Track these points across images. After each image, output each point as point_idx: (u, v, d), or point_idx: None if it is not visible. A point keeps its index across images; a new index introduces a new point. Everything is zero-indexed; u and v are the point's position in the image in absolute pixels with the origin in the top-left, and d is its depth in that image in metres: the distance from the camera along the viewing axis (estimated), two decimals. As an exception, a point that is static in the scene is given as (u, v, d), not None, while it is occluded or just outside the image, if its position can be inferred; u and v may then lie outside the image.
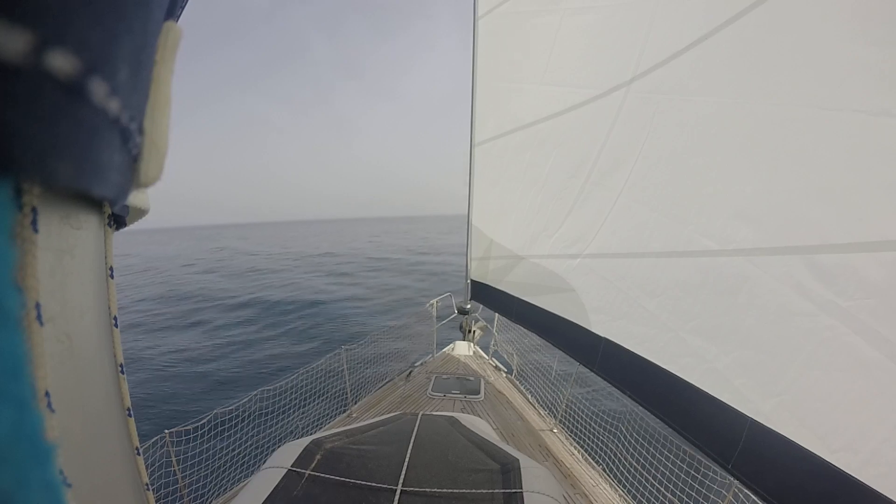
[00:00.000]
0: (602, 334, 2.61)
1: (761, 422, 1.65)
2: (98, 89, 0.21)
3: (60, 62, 0.18)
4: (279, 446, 2.01)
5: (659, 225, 2.17)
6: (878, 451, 1.32)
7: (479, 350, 5.71)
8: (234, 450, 3.69)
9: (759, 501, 1.69)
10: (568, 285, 2.97)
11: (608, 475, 3.36)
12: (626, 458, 3.56)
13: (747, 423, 1.69)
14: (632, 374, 2.34)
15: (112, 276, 0.53)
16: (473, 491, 1.65)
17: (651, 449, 3.44)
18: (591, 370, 2.73)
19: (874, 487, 1.30)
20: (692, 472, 2.97)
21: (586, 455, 3.58)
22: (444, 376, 4.79)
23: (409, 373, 4.90)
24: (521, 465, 1.82)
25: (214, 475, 3.44)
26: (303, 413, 4.45)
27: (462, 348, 5.67)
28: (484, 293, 4.53)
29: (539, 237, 3.37)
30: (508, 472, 1.79)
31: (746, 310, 1.72)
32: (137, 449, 0.62)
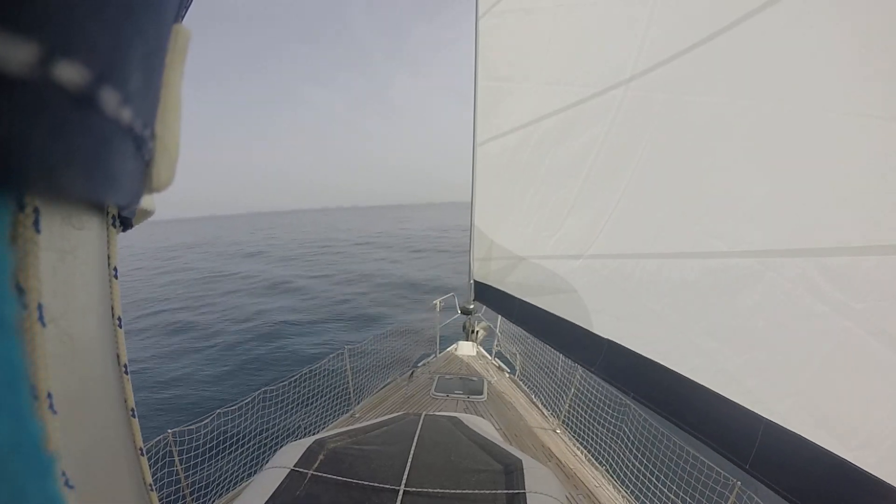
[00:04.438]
0: (605, 335, 2.59)
1: (776, 422, 1.65)
2: (110, 99, 0.20)
3: (69, 73, 0.17)
4: (282, 446, 2.01)
5: (665, 225, 2.15)
6: (894, 448, 1.34)
7: (483, 350, 5.70)
8: (236, 450, 3.70)
9: (760, 502, 1.68)
10: (570, 286, 2.96)
11: (611, 476, 3.35)
12: (629, 459, 3.55)
13: (762, 424, 1.70)
14: (637, 375, 2.33)
15: (116, 277, 0.52)
16: (476, 491, 1.65)
17: (654, 450, 3.43)
18: (591, 371, 2.72)
19: (892, 483, 1.32)
20: (695, 473, 2.96)
21: (589, 456, 3.57)
22: (447, 376, 4.78)
23: (412, 373, 4.90)
24: (524, 466, 1.81)
25: (217, 475, 3.44)
26: (306, 413, 4.45)
27: (465, 348, 5.66)
28: (486, 294, 4.52)
29: (539, 238, 3.36)
30: (511, 472, 1.78)
31: (758, 311, 1.71)
32: (141, 449, 0.62)
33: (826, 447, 1.49)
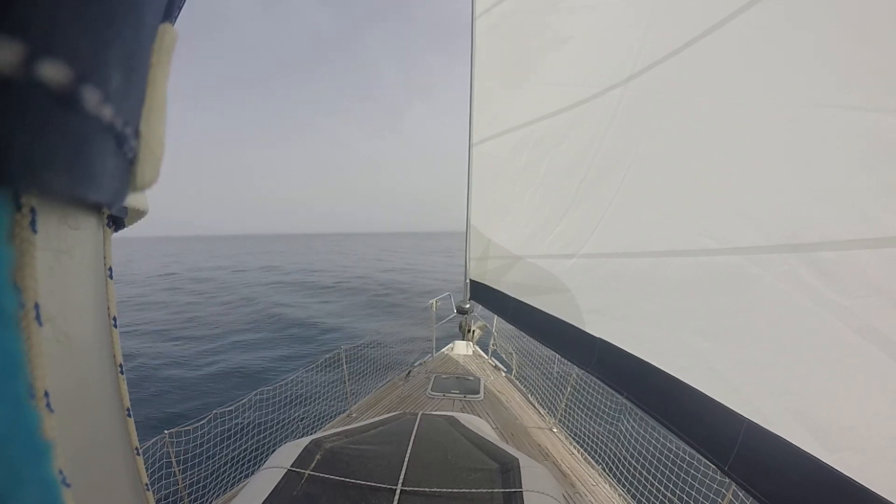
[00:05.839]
0: (597, 335, 2.59)
1: (759, 423, 1.63)
2: (91, 97, 0.21)
3: (52, 72, 0.18)
4: (279, 446, 2.01)
5: (657, 224, 2.15)
6: (881, 452, 1.30)
7: (479, 350, 5.71)
8: (233, 450, 3.69)
9: (757, 501, 1.68)
10: (564, 286, 2.96)
11: (608, 474, 3.36)
12: (625, 458, 3.57)
13: (744, 425, 1.67)
14: (628, 374, 2.32)
15: (111, 277, 0.53)
16: (473, 490, 1.65)
17: (651, 448, 3.44)
18: (587, 370, 2.73)
19: (875, 490, 1.28)
20: (691, 472, 2.98)
21: (586, 454, 3.58)
22: (444, 376, 4.79)
23: (409, 372, 4.90)
24: (521, 465, 1.82)
25: (214, 475, 3.44)
26: (302, 413, 4.45)
27: (461, 348, 5.67)
28: (482, 293, 4.53)
29: (536, 237, 3.37)
30: (508, 471, 1.79)
31: (749, 310, 1.70)
32: (137, 449, 0.62)
33: (808, 450, 1.45)
